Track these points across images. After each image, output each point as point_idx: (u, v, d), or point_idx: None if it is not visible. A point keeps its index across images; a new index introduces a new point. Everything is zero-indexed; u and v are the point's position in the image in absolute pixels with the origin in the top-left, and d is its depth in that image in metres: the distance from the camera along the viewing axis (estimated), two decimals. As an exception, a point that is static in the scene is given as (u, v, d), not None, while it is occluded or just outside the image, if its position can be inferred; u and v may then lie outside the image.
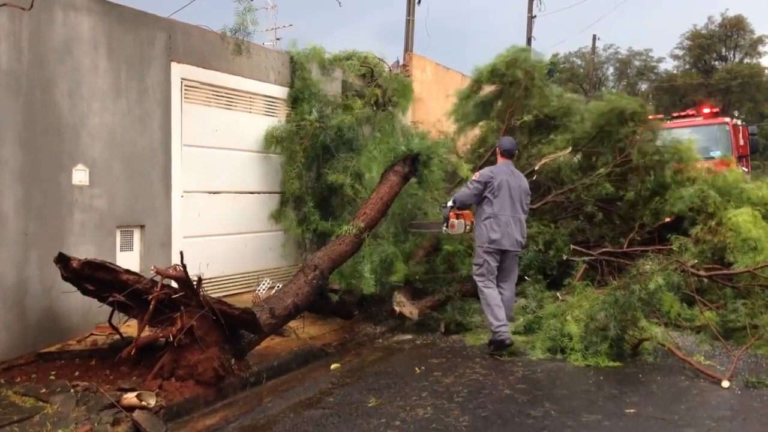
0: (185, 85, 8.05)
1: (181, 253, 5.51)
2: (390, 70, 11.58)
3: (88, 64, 6.84)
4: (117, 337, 6.28)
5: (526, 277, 9.07)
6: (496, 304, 6.94)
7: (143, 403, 5.02)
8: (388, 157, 7.61)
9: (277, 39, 21.57)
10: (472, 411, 5.19)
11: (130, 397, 5.05)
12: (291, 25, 29.53)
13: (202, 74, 8.25)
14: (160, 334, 5.59)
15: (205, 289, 8.43)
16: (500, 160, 7.38)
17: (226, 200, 8.83)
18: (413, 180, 7.90)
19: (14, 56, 6.15)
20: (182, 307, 5.48)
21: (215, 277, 8.69)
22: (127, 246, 7.41)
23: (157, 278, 5.66)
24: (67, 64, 6.63)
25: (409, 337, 7.78)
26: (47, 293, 6.44)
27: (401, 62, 13.68)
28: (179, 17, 8.14)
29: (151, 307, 5.48)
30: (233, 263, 8.94)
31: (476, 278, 7.15)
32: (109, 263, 5.80)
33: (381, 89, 10.53)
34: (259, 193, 9.33)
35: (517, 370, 6.30)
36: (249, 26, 7.81)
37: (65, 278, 5.88)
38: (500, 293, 7.13)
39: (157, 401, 5.13)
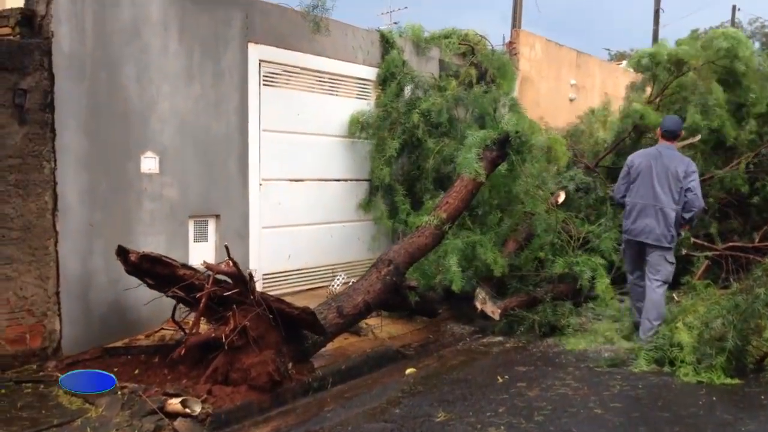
0: (264, 67, 7.65)
1: (227, 247, 5.08)
2: (492, 48, 10.76)
3: (158, 46, 6.54)
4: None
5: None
6: (632, 294, 6.93)
7: (187, 410, 4.64)
8: (479, 141, 6.87)
9: (394, 23, 21.10)
10: (551, 435, 4.47)
11: (174, 403, 4.67)
12: (406, 8, 29.00)
13: (282, 55, 7.82)
14: (213, 335, 5.19)
15: (288, 281, 8.20)
16: (660, 142, 6.68)
17: (310, 188, 8.40)
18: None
19: (77, 38, 5.91)
20: (234, 306, 5.06)
21: (298, 269, 8.30)
22: (201, 236, 7.11)
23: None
24: (135, 47, 6.35)
25: (499, 339, 7.06)
26: (114, 286, 6.21)
27: (508, 39, 12.80)
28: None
29: (201, 305, 5.11)
30: (318, 254, 8.51)
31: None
32: (166, 257, 5.47)
33: (477, 68, 9.76)
34: (346, 180, 8.85)
35: (614, 384, 5.47)
36: (327, 2, 7.29)
37: (128, 272, 5.63)
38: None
39: (203, 408, 4.73)
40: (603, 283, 6.78)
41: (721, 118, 8.43)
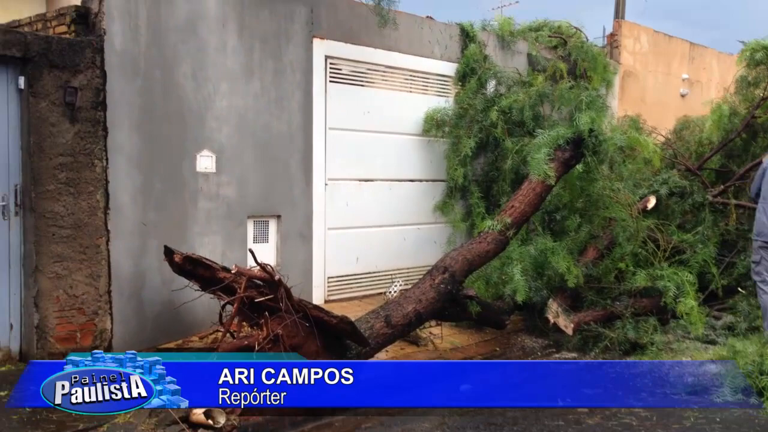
0: (330, 63, 7.40)
1: (251, 251, 4.84)
2: (587, 40, 10.07)
3: (215, 43, 6.41)
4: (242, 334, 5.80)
5: (739, 289, 7.29)
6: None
7: (209, 421, 4.42)
8: (550, 141, 6.32)
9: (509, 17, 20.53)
10: (600, 475, 3.93)
11: (197, 413, 4.47)
12: (517, 2, 28.18)
13: (350, 51, 7.55)
14: (245, 342, 4.96)
15: (357, 284, 7.92)
16: None
17: (381, 189, 8.08)
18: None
19: (130, 36, 5.85)
20: (266, 313, 4.81)
21: (367, 273, 8.00)
22: (261, 237, 6.94)
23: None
24: (191, 44, 6.24)
25: (573, 355, 6.48)
26: (167, 285, 6.11)
27: (609, 31, 11.99)
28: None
29: (234, 310, 4.89)
30: (389, 258, 8.18)
31: (754, 277, 6.42)
32: (206, 260, 5.28)
33: (567, 62, 9.12)
34: (420, 181, 8.47)
35: (688, 415, 4.82)
36: (394, -6, 6.96)
37: (175, 272, 5.51)
38: None
39: (228, 420, 4.49)
40: (688, 303, 6.06)
41: None
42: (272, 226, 7.01)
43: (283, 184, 7.03)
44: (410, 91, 8.32)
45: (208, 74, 6.37)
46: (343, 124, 7.57)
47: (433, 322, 6.42)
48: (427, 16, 8.93)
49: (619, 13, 12.48)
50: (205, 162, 6.39)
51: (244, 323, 5.30)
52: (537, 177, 6.13)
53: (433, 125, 8.31)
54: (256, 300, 4.82)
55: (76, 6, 5.81)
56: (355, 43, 7.57)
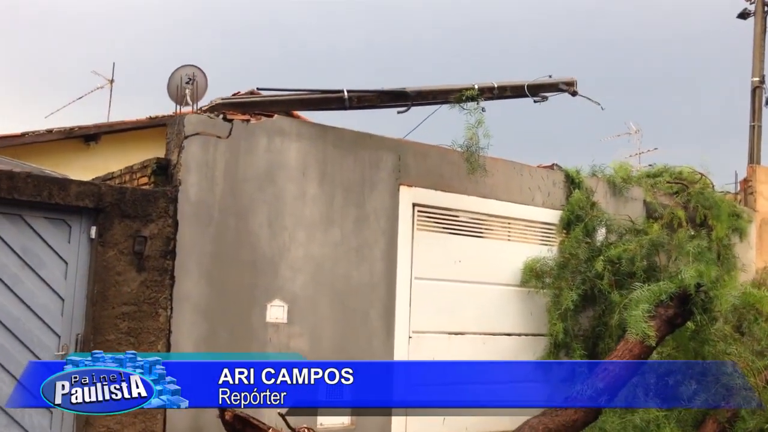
0: (418, 211, 7.12)
1: (281, 414, 4.40)
2: (712, 185, 9.30)
3: (294, 192, 6.33)
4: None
5: None
6: None
7: None
8: (649, 296, 5.61)
9: (650, 165, 19.89)
10: None
11: None
12: (656, 148, 27.37)
13: (440, 198, 7.26)
14: None
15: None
16: None
17: (473, 343, 7.47)
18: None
19: (206, 186, 5.89)
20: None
21: (456, 436, 7.28)
22: (335, 393, 6.50)
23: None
24: (268, 192, 6.20)
25: None
26: (227, 444, 5.77)
27: (742, 177, 11.08)
28: (413, 137, 7.37)
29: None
30: (482, 418, 7.42)
31: None
32: (254, 419, 4.91)
33: (686, 209, 8.38)
34: (519, 335, 7.80)
35: None
36: (480, 140, 6.69)
37: (228, 430, 5.18)
38: None
39: None
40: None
41: None
42: (348, 381, 6.56)
43: (362, 336, 6.65)
44: (508, 239, 7.84)
45: (285, 223, 6.26)
46: (431, 273, 7.17)
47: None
48: (553, 164, 8.52)
49: (753, 157, 11.58)
50: (276, 312, 6.16)
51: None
52: (634, 336, 5.40)
53: (532, 276, 7.73)
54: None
55: (158, 158, 5.97)
56: (445, 190, 7.29)
